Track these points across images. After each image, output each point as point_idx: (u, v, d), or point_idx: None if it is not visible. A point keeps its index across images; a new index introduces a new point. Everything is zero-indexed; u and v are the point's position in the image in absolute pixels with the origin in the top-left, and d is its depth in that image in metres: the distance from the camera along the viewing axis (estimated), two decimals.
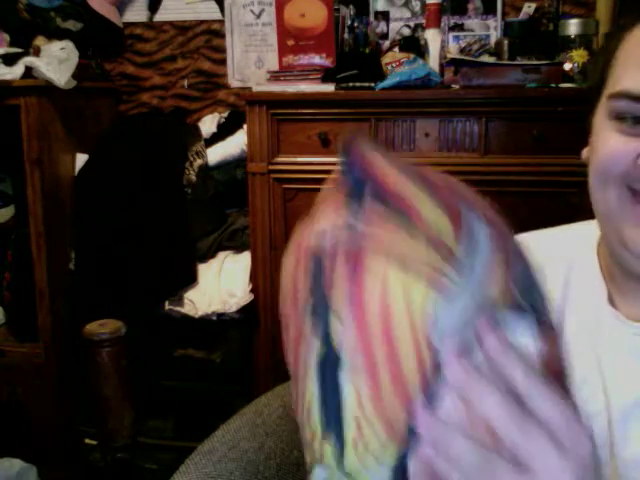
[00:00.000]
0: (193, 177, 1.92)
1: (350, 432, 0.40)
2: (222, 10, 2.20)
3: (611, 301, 0.65)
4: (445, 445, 0.37)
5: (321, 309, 0.40)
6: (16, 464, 1.71)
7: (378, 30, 2.09)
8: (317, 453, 0.42)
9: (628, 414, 0.60)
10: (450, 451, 0.37)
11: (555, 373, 0.40)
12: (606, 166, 0.60)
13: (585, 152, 0.68)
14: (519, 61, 1.77)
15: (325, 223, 0.42)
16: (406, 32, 2.09)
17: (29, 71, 1.79)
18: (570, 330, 0.65)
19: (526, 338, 0.40)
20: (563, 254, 0.70)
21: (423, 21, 2.00)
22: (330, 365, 0.40)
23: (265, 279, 1.83)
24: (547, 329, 0.41)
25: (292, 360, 0.44)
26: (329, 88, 1.75)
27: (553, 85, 1.64)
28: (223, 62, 2.24)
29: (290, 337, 0.44)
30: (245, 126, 1.81)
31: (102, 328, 1.42)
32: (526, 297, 0.40)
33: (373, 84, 1.71)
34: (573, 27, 1.76)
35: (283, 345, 0.46)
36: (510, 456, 0.37)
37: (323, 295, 0.40)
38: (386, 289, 0.38)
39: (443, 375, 0.38)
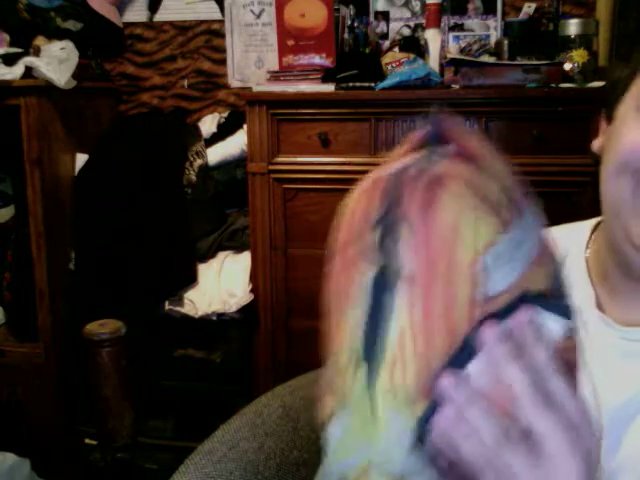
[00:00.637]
0: (193, 177, 1.92)
1: (392, 353, 0.40)
2: (222, 10, 2.20)
3: (598, 305, 0.65)
4: (466, 411, 0.38)
5: (392, 223, 0.41)
6: (9, 458, 1.70)
7: (378, 30, 2.09)
8: (348, 386, 0.42)
9: (616, 418, 0.60)
10: (469, 415, 0.38)
11: (570, 364, 0.42)
12: (628, 156, 0.58)
13: (598, 142, 0.67)
14: (519, 61, 1.77)
15: (404, 161, 0.44)
16: (406, 32, 2.09)
17: (29, 71, 1.79)
18: None
19: (555, 325, 0.41)
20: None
21: (423, 21, 2.00)
22: (386, 281, 0.41)
23: (265, 279, 1.83)
24: (572, 323, 0.42)
25: (336, 291, 0.45)
26: (329, 88, 1.75)
27: (553, 85, 1.64)
28: (223, 62, 2.24)
29: (337, 267, 0.45)
30: (245, 126, 1.81)
31: (102, 328, 1.42)
32: (557, 293, 0.42)
33: (373, 84, 1.71)
34: (573, 27, 1.76)
35: (325, 278, 0.46)
36: (524, 433, 0.38)
37: (398, 211, 0.41)
38: (460, 209, 0.40)
39: (479, 334, 0.39)
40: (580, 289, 0.66)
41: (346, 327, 0.42)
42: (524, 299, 0.40)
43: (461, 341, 0.39)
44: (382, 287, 0.41)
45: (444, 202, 0.40)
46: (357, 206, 0.45)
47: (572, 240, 0.70)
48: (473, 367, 0.39)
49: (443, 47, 1.88)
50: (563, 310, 0.42)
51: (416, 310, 0.40)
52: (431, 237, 0.40)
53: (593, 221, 0.71)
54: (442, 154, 0.43)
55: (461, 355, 0.39)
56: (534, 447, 0.37)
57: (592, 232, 0.70)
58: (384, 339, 0.40)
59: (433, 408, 0.39)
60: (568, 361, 0.41)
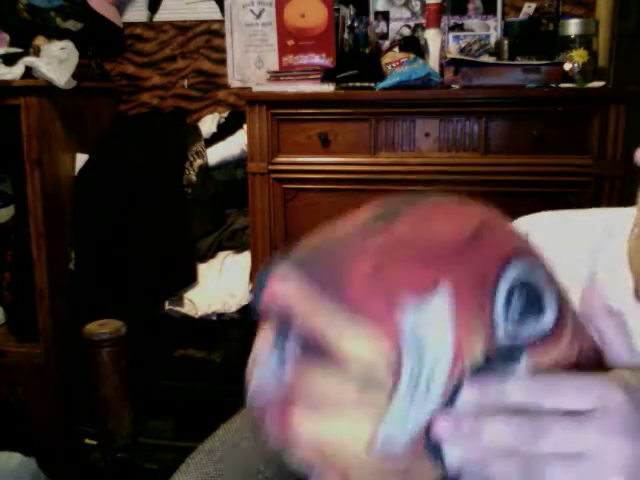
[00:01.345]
0: (193, 177, 1.92)
1: None
2: (222, 10, 2.20)
3: (637, 295, 0.64)
4: (478, 435, 0.37)
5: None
6: (15, 457, 1.70)
7: (378, 30, 2.09)
8: None
9: None
10: (485, 438, 0.37)
11: (570, 365, 0.40)
12: None
13: None
14: (519, 61, 1.77)
15: (259, 365, 0.43)
16: (406, 32, 2.09)
17: (29, 71, 1.79)
18: (602, 327, 0.63)
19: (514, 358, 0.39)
20: (587, 243, 0.67)
21: (423, 21, 2.00)
22: None
23: None
24: (559, 329, 0.40)
25: None
26: (329, 88, 1.75)
27: (553, 85, 1.64)
28: (223, 62, 2.24)
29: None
30: (245, 126, 1.81)
31: (102, 328, 1.42)
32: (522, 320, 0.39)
33: (373, 84, 1.71)
34: (573, 27, 1.76)
35: None
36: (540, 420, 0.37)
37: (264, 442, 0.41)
38: (317, 434, 0.38)
39: (431, 437, 0.37)
40: (619, 279, 0.65)
41: None
42: (461, 384, 0.37)
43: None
44: None
45: (300, 434, 0.39)
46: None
47: (613, 227, 0.68)
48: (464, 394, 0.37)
49: (443, 47, 1.88)
50: (513, 352, 0.38)
51: None
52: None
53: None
54: (283, 357, 0.40)
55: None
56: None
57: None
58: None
59: (441, 457, 0.37)
60: (565, 364, 0.40)
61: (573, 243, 0.66)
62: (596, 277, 0.65)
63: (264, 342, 0.42)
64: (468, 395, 0.37)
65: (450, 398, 0.37)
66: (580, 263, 0.66)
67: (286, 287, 0.40)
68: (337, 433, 0.38)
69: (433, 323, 0.37)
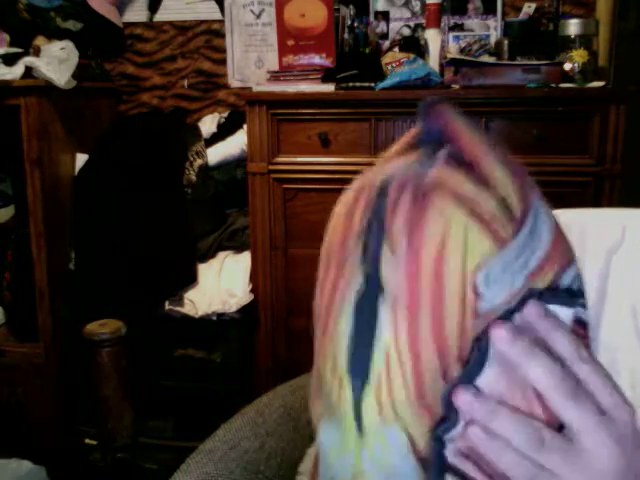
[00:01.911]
0: (193, 177, 1.92)
1: (377, 371, 0.39)
2: (222, 10, 2.20)
3: None
4: (489, 422, 0.37)
5: (375, 238, 0.40)
6: (25, 465, 1.70)
7: (378, 30, 2.09)
8: (334, 397, 0.41)
9: None
10: (498, 428, 0.37)
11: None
12: None
13: None
14: (519, 61, 1.77)
15: (394, 166, 0.42)
16: (406, 32, 2.09)
17: (29, 71, 1.79)
18: (609, 323, 0.63)
19: (564, 314, 0.40)
20: (603, 242, 0.67)
21: (423, 21, 2.00)
22: (370, 297, 0.39)
23: (265, 279, 1.84)
24: (582, 312, 0.41)
25: (324, 299, 0.44)
26: (329, 88, 1.75)
27: (553, 85, 1.64)
28: (223, 62, 2.25)
29: (327, 275, 0.44)
30: (245, 126, 1.81)
31: (102, 328, 1.43)
32: (566, 285, 0.41)
33: (373, 84, 1.71)
34: (573, 27, 1.76)
35: (316, 284, 0.45)
36: (556, 430, 0.37)
37: (382, 224, 0.40)
38: (447, 226, 0.38)
39: (484, 342, 0.37)
40: (634, 280, 0.63)
41: (332, 338, 0.42)
42: (529, 296, 0.38)
43: (467, 353, 0.38)
44: (366, 303, 0.40)
45: (429, 219, 0.38)
46: (343, 214, 0.44)
47: (628, 229, 0.68)
48: (488, 375, 0.38)
49: (443, 47, 1.88)
50: (570, 300, 0.40)
51: (400, 330, 0.38)
52: (415, 257, 0.38)
53: None
54: (434, 160, 0.41)
55: (472, 367, 0.38)
56: (569, 442, 0.36)
57: None
58: (369, 357, 0.39)
59: (449, 425, 0.38)
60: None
61: (590, 243, 0.66)
62: (608, 280, 0.65)
63: (407, 157, 0.43)
64: (529, 313, 0.38)
65: (517, 304, 0.38)
66: (593, 264, 0.66)
67: (448, 114, 0.42)
68: (468, 234, 0.38)
69: (546, 221, 0.41)
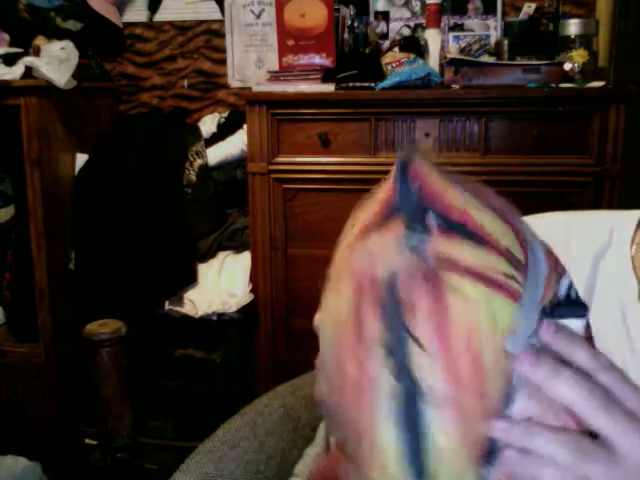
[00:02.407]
0: (193, 177, 1.92)
1: (432, 475, 0.38)
2: (222, 10, 2.20)
3: None
4: (527, 443, 0.37)
5: (397, 339, 0.37)
6: (20, 462, 1.72)
7: (378, 30, 2.09)
8: None
9: None
10: (537, 447, 0.37)
11: None
12: None
13: None
14: (519, 61, 1.77)
15: (386, 248, 0.40)
16: (406, 32, 2.09)
17: (29, 71, 1.79)
18: (596, 330, 0.63)
19: (575, 325, 0.40)
20: (590, 245, 0.67)
21: (423, 21, 2.00)
22: (410, 400, 0.37)
23: (265, 279, 1.84)
24: (587, 318, 0.41)
25: (351, 402, 0.41)
26: (329, 88, 1.75)
27: (553, 85, 1.64)
28: (223, 62, 2.25)
29: (347, 377, 0.40)
30: (245, 126, 1.81)
31: (102, 328, 1.42)
32: (566, 296, 0.41)
33: (373, 84, 1.71)
34: (573, 27, 1.76)
35: (331, 388, 0.42)
36: (594, 440, 0.37)
37: (401, 323, 0.37)
38: (470, 307, 0.37)
39: (512, 374, 0.37)
40: (623, 283, 0.64)
41: (377, 450, 0.39)
42: (540, 317, 0.38)
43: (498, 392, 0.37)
44: (407, 409, 0.37)
45: (451, 307, 0.37)
46: (347, 315, 0.40)
47: (616, 231, 0.68)
48: (517, 404, 0.37)
49: (443, 47, 1.88)
50: (576, 310, 0.40)
51: (451, 430, 0.37)
52: (448, 350, 0.37)
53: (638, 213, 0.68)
54: (423, 231, 0.38)
55: (501, 400, 0.37)
56: (608, 450, 0.36)
57: (638, 226, 0.68)
58: (422, 465, 0.38)
59: (490, 459, 0.37)
60: None
61: (576, 247, 0.66)
62: (595, 284, 0.65)
63: (390, 230, 0.40)
64: (544, 333, 0.38)
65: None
66: (580, 269, 0.66)
67: (425, 172, 0.41)
68: (493, 306, 0.37)
69: (538, 245, 0.40)
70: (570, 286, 0.41)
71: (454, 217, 0.39)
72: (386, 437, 0.39)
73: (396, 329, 0.37)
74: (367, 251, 0.40)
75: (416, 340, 0.37)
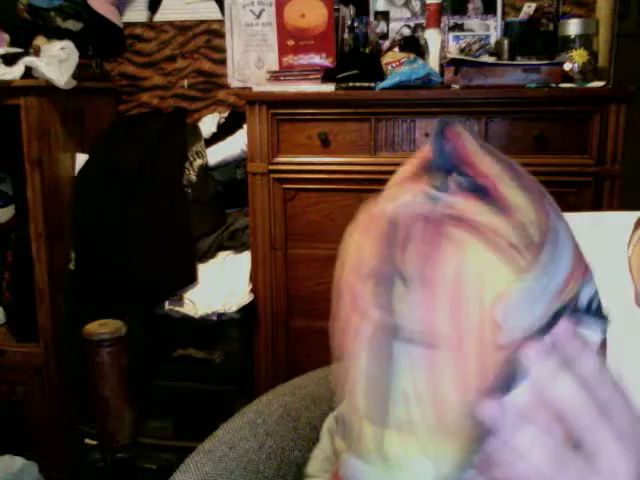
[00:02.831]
0: (193, 177, 1.92)
1: (396, 415, 0.38)
2: (222, 10, 2.20)
3: (638, 302, 0.63)
4: (511, 435, 0.37)
5: (388, 274, 0.38)
6: (17, 461, 1.72)
7: (378, 30, 2.09)
8: (355, 435, 0.40)
9: None
10: (518, 441, 0.37)
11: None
12: None
13: None
14: (519, 61, 1.77)
15: (404, 194, 0.41)
16: (406, 32, 2.09)
17: (29, 71, 1.79)
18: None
19: (593, 329, 0.40)
20: (586, 247, 0.68)
21: (423, 21, 2.00)
22: (386, 334, 0.38)
23: (265, 279, 1.83)
24: (605, 324, 0.41)
25: (340, 333, 0.42)
26: (329, 88, 1.75)
27: (553, 85, 1.64)
28: (223, 62, 2.25)
29: (343, 309, 0.42)
30: (245, 126, 1.81)
31: (102, 328, 1.42)
32: (589, 299, 0.40)
33: (373, 84, 1.71)
34: (573, 27, 1.76)
35: (332, 319, 0.44)
36: (577, 447, 0.37)
37: (393, 260, 0.38)
38: (463, 259, 0.37)
39: (514, 359, 0.37)
40: (619, 285, 0.64)
41: (350, 378, 0.40)
42: (559, 315, 0.38)
43: (490, 384, 0.37)
44: (382, 343, 0.38)
45: (443, 251, 0.37)
46: (353, 246, 0.42)
47: (612, 233, 0.67)
48: (514, 393, 0.37)
49: (443, 47, 1.88)
50: (598, 322, 0.40)
51: (418, 372, 0.37)
52: (430, 292, 0.37)
53: (637, 214, 0.67)
54: (445, 186, 0.39)
55: (499, 384, 0.37)
56: (588, 464, 0.36)
57: (636, 227, 0.67)
58: (386, 401, 0.38)
59: (479, 439, 0.37)
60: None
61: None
62: None
63: (417, 184, 0.41)
64: (559, 332, 0.38)
65: (547, 323, 0.37)
66: None
67: (461, 136, 0.41)
68: (485, 265, 0.37)
69: (567, 239, 0.40)
70: (593, 297, 0.40)
71: (478, 180, 0.39)
72: (360, 368, 0.39)
73: (387, 262, 0.38)
74: (386, 196, 0.42)
75: (400, 274, 0.37)
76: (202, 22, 2.25)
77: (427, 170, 0.41)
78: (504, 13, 2.04)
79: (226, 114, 2.15)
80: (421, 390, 0.37)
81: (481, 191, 0.39)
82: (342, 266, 0.43)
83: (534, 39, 1.88)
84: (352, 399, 0.40)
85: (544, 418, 0.37)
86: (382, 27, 2.11)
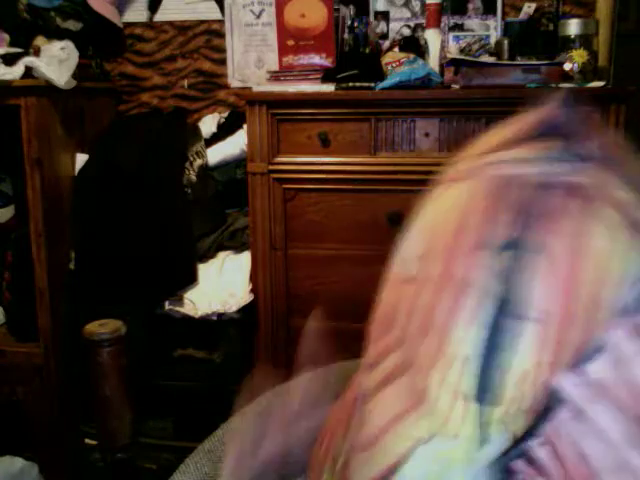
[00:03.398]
0: (193, 177, 1.92)
1: (508, 396, 0.36)
2: (222, 10, 2.20)
3: None
4: (587, 407, 0.36)
5: (522, 249, 0.35)
6: (17, 462, 1.72)
7: (378, 30, 2.09)
8: (443, 416, 0.38)
9: None
10: (595, 416, 0.36)
11: None
12: None
13: None
14: (519, 61, 1.77)
15: (516, 158, 0.38)
16: (406, 32, 2.09)
17: (29, 71, 1.79)
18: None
19: None
20: None
21: (423, 21, 2.00)
22: (504, 307, 0.35)
23: (265, 279, 1.83)
24: None
25: (425, 305, 0.39)
26: (329, 88, 1.75)
27: (553, 85, 1.64)
28: (223, 62, 2.25)
29: (433, 282, 0.39)
30: (245, 126, 1.81)
31: (102, 328, 1.42)
32: None
33: (373, 84, 1.71)
34: (573, 27, 1.76)
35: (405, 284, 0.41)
36: None
37: (529, 232, 0.35)
38: (614, 242, 0.35)
39: (602, 335, 0.36)
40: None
41: (450, 357, 0.38)
42: None
43: (584, 348, 0.36)
44: (500, 322, 0.36)
45: (595, 231, 0.34)
46: (467, 214, 0.38)
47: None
48: (598, 365, 0.36)
49: (443, 47, 1.88)
50: None
51: (544, 353, 0.35)
52: (576, 273, 0.34)
53: None
54: (576, 157, 0.36)
55: (585, 356, 0.36)
56: None
57: None
58: (500, 381, 0.36)
59: (547, 412, 0.36)
60: None
61: None
62: None
63: (530, 149, 0.38)
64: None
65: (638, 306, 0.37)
66: None
67: (586, 114, 0.39)
68: (614, 243, 0.35)
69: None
70: None
71: (610, 155, 0.37)
72: (464, 337, 0.36)
73: (502, 228, 0.35)
74: (512, 159, 0.38)
75: (547, 253, 0.34)
76: (202, 22, 2.25)
77: (549, 132, 0.38)
78: (504, 13, 2.04)
79: (226, 114, 2.15)
80: (544, 369, 0.36)
81: (613, 166, 0.37)
82: (438, 232, 0.40)
83: (534, 39, 1.88)
84: (450, 381, 0.38)
85: (623, 396, 0.36)
86: (382, 27, 2.10)
